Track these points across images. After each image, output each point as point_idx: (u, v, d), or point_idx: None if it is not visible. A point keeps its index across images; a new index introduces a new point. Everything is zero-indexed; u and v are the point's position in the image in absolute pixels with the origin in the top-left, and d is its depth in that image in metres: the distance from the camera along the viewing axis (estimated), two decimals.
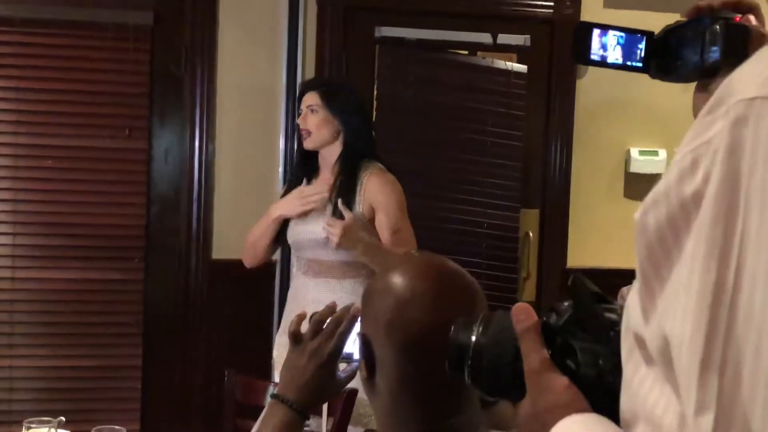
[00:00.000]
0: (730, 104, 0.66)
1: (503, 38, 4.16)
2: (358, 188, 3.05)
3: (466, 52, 4.24)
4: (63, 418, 2.38)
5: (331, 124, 3.09)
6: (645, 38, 1.23)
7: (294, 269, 3.24)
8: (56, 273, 3.94)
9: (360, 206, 3.04)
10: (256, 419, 2.39)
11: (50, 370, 3.94)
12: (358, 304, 1.45)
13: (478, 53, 4.24)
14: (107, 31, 3.92)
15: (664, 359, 0.68)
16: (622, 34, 1.23)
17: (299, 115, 3.16)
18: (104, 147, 3.96)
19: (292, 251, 3.23)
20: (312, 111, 3.09)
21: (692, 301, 0.65)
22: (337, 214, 3.00)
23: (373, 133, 3.20)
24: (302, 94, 3.19)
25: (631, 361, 0.76)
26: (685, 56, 1.18)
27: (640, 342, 0.73)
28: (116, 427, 2.28)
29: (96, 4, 3.91)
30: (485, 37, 4.16)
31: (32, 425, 2.33)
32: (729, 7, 1.15)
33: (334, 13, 4.07)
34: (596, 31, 1.23)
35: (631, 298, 0.77)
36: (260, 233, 3.19)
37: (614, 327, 0.84)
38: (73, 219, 3.96)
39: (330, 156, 3.12)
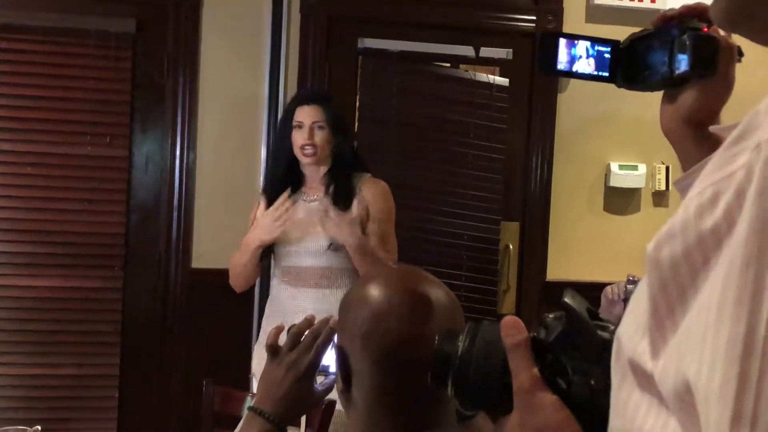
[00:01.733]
0: (762, 140, 0.62)
1: (486, 51, 4.18)
2: (356, 194, 3.08)
3: (448, 65, 4.26)
4: (39, 427, 2.36)
5: (333, 140, 3.11)
6: (611, 47, 1.21)
7: (275, 280, 3.21)
8: (34, 281, 3.91)
9: (358, 213, 3.05)
10: (233, 430, 2.38)
11: (27, 378, 3.91)
12: (336, 316, 1.44)
13: (461, 66, 4.26)
14: (89, 38, 3.90)
15: (681, 403, 0.65)
16: (588, 43, 1.21)
17: (293, 127, 3.09)
18: (84, 154, 3.94)
19: (276, 262, 3.19)
20: (319, 127, 3.08)
21: (721, 351, 0.62)
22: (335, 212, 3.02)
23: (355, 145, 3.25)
24: (297, 106, 3.13)
25: (624, 387, 0.74)
26: (652, 66, 1.16)
27: (639, 373, 0.72)
28: None
29: (78, 11, 3.89)
30: (468, 50, 4.17)
31: None
32: (695, 17, 1.14)
33: (317, 24, 4.08)
34: (562, 41, 1.21)
35: (627, 325, 0.75)
36: (247, 265, 3.13)
37: (606, 346, 0.80)
38: (51, 226, 3.94)
39: (317, 169, 3.13)
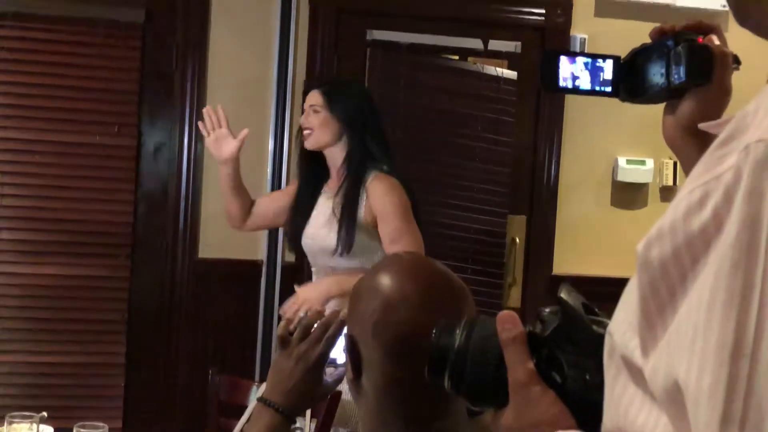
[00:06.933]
0: (750, 141, 0.63)
1: (494, 44, 4.18)
2: (362, 195, 2.96)
3: (456, 58, 4.26)
4: (45, 414, 2.38)
5: (333, 126, 3.02)
6: (612, 62, 1.23)
7: (314, 276, 3.14)
8: (42, 268, 3.92)
9: (364, 215, 2.96)
10: (239, 419, 2.39)
11: (34, 366, 3.92)
12: (346, 310, 1.45)
13: (469, 59, 4.25)
14: (98, 28, 3.91)
15: (671, 401, 0.66)
16: (589, 59, 1.23)
17: (303, 113, 3.11)
18: (93, 143, 3.95)
19: (308, 257, 3.14)
20: (314, 111, 3.03)
21: (710, 352, 0.63)
22: (337, 217, 2.96)
23: (384, 135, 3.11)
24: (306, 92, 3.15)
25: (618, 383, 0.75)
26: (651, 78, 1.19)
27: (633, 369, 0.72)
28: (98, 423, 2.28)
29: (88, 0, 3.89)
30: (476, 43, 4.17)
31: (14, 420, 2.32)
32: (691, 29, 1.16)
33: (327, 15, 4.07)
34: (563, 59, 1.23)
35: (618, 322, 0.76)
36: (224, 194, 3.27)
37: (601, 341, 0.81)
38: (59, 215, 3.95)
39: (334, 158, 3.06)
